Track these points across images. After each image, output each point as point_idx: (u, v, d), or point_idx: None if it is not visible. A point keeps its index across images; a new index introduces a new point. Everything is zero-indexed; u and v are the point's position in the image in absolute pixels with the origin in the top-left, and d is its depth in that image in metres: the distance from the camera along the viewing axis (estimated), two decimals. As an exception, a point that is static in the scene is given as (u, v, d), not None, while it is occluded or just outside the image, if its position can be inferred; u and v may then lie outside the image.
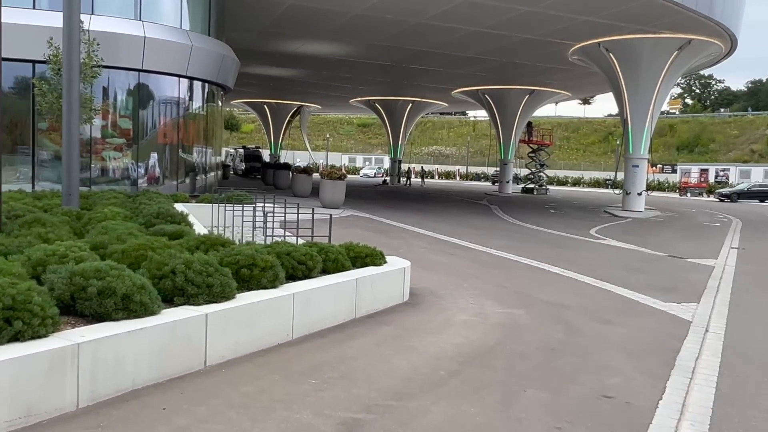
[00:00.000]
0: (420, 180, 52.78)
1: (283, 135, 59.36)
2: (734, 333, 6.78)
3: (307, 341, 5.40)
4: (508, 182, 43.87)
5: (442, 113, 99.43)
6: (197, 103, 18.86)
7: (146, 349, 4.12)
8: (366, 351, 5.25)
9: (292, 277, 5.98)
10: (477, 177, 70.03)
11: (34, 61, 14.64)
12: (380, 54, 31.40)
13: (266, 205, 12.99)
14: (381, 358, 5.09)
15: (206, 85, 18.80)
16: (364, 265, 6.98)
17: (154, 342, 4.18)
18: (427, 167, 71.48)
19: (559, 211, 26.45)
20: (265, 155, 59.25)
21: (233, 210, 11.35)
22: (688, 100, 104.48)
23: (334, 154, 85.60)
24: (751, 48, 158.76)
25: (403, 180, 52.48)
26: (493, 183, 54.92)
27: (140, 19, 16.31)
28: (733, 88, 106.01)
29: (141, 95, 17.14)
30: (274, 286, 5.47)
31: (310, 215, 9.27)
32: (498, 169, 48.13)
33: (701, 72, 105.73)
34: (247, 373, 4.50)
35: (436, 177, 73.21)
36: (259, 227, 9.73)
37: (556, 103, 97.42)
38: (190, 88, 18.35)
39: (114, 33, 15.72)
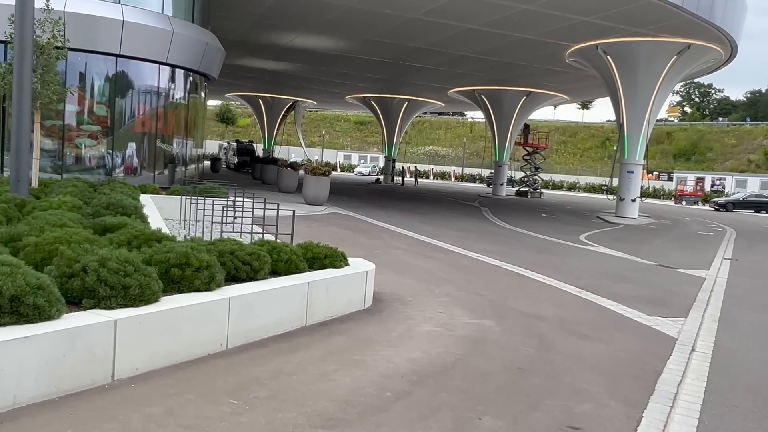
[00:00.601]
0: (413, 180, 52.28)
1: (278, 130, 58.68)
2: (723, 353, 6.22)
3: (244, 352, 4.81)
4: (502, 185, 43.31)
5: (440, 113, 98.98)
6: (178, 92, 18.22)
7: (35, 360, 3.52)
8: (307, 365, 4.66)
9: (234, 279, 5.39)
10: (472, 179, 69.54)
11: (5, 42, 14.01)
12: (375, 50, 30.80)
13: (243, 200, 12.40)
14: (322, 374, 4.50)
15: (188, 73, 18.16)
16: (323, 267, 6.39)
17: (46, 352, 3.58)
18: (421, 167, 70.95)
19: (550, 215, 25.91)
20: (260, 150, 58.66)
21: (203, 204, 10.73)
22: (687, 109, 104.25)
23: (330, 151, 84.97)
24: (751, 58, 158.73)
25: (397, 179, 51.93)
26: (488, 185, 54.39)
27: (119, 2, 15.67)
28: (732, 98, 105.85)
29: (119, 82, 16.49)
30: (209, 289, 4.88)
31: (289, 212, 8.63)
32: (493, 171, 47.61)
33: (701, 81, 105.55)
34: (159, 390, 3.90)
35: (431, 177, 72.67)
36: (231, 223, 9.13)
37: (555, 107, 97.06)
38: (171, 76, 17.71)
39: (91, 15, 15.08)
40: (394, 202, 25.77)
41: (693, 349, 6.26)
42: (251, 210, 9.95)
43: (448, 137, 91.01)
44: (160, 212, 12.24)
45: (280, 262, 5.91)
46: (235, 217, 10.69)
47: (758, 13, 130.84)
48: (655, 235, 20.16)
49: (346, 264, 6.66)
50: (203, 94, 20.01)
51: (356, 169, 71.37)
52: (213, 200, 11.39)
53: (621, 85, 26.55)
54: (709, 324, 7.48)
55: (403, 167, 60.61)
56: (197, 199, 11.45)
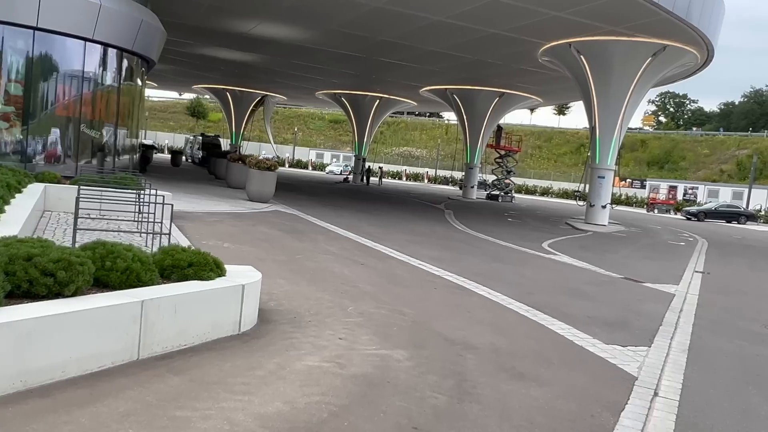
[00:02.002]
0: (377, 180, 50.96)
1: (246, 125, 56.82)
2: (693, 399, 4.89)
3: (11, 405, 3.30)
4: (472, 187, 42.17)
5: (417, 114, 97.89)
6: (109, 74, 16.49)
7: None
8: (91, 430, 3.16)
9: (29, 295, 3.88)
10: (446, 181, 68.45)
11: None
12: (341, 42, 29.33)
13: (163, 193, 10.81)
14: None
15: (122, 54, 16.46)
16: (183, 278, 4.89)
17: None
18: (394, 168, 69.65)
19: (517, 220, 24.70)
20: (228, 145, 56.82)
21: (101, 197, 9.16)
22: (662, 118, 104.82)
23: (302, 148, 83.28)
24: (726, 71, 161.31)
25: (374, 179, 50.61)
26: (461, 187, 53.28)
27: (37, -32, 13.95)
28: (707, 109, 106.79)
29: (37, 58, 14.73)
30: (-36, 312, 3.37)
31: (221, 209, 7.09)
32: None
33: (676, 91, 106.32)
34: None
35: (404, 178, 71.37)
36: (149, 221, 7.57)
37: (532, 112, 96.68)
38: (102, 57, 15.99)
39: (3, -19, 13.38)
40: (352, 202, 24.31)
41: (656, 394, 4.92)
42: (185, 206, 8.38)
43: (423, 138, 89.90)
44: (58, 204, 10.65)
45: (114, 272, 4.40)
46: (139, 213, 9.16)
47: (734, 27, 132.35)
48: (623, 243, 19.02)
49: (220, 275, 5.17)
50: (140, 79, 18.25)
51: (327, 168, 69.79)
52: (122, 191, 9.81)
53: (594, 86, 25.47)
54: (677, 356, 6.17)
55: (369, 167, 59.20)
56: (101, 190, 9.83)
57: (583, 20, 21.16)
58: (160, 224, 7.46)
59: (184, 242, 8.81)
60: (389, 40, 27.58)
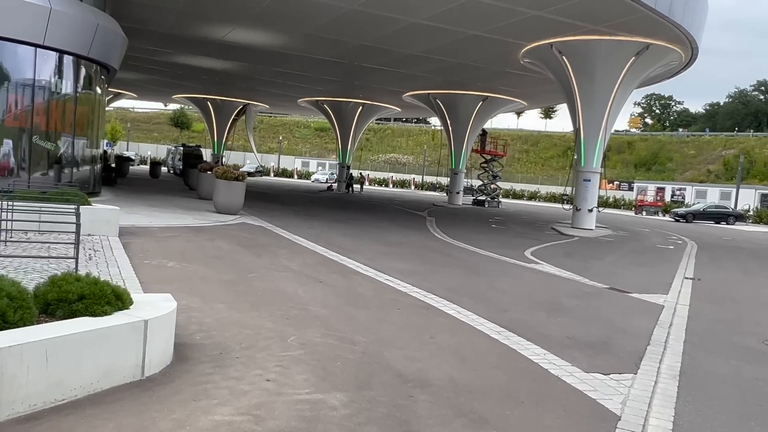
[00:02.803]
0: (359, 187, 50.13)
1: (228, 134, 55.88)
2: (686, 444, 4.09)
3: None
4: (458, 193, 41.47)
5: (405, 120, 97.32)
6: (65, 81, 15.58)
7: None
8: None
9: None
10: (432, 187, 67.78)
11: None
12: (319, 47, 28.58)
13: (112, 207, 10.00)
14: None
15: (78, 61, 15.57)
16: (71, 314, 4.05)
17: None
18: (372, 174, 68.81)
19: (502, 226, 23.96)
20: (209, 155, 55.88)
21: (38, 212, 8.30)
22: (648, 120, 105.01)
23: (288, 157, 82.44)
24: (710, 73, 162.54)
25: (356, 187, 49.86)
26: (447, 193, 52.62)
27: (-20, -31, 13.09)
28: (692, 110, 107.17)
29: (-17, 66, 13.84)
30: None
31: (187, 224, 6.26)
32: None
33: (662, 92, 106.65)
34: None
35: (390, 185, 70.64)
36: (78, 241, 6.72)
37: (518, 116, 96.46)
38: (56, 64, 15.08)
39: (-58, -16, 12.50)
40: (330, 212, 23.47)
41: (642, 438, 4.12)
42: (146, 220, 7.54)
43: (410, 145, 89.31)
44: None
45: (-30, 311, 3.55)
46: (78, 230, 8.30)
47: (719, 29, 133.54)
48: (610, 249, 18.31)
49: (121, 308, 4.32)
50: (99, 88, 17.34)
51: (313, 177, 68.91)
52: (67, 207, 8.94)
53: (577, 87, 24.85)
54: (667, 384, 5.38)
55: (361, 174, 58.38)
56: (39, 206, 8.95)
57: (564, 19, 20.54)
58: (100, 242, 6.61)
59: (123, 263, 7.96)
60: (367, 44, 26.87)
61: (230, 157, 76.44)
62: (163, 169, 55.08)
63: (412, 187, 69.67)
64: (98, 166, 17.39)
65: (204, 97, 53.04)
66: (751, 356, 6.71)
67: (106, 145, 77.55)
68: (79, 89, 15.99)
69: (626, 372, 5.62)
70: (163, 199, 19.01)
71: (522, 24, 21.32)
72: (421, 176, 73.05)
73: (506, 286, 9.77)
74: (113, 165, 28.15)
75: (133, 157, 70.20)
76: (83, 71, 16.13)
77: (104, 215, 10.01)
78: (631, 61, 23.46)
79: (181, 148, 55.22)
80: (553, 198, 60.21)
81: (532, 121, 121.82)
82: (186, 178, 28.38)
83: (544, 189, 64.81)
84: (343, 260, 10.49)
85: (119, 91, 54.67)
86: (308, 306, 6.85)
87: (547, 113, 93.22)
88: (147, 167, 52.96)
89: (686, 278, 12.84)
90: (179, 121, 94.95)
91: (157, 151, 79.36)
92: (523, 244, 16.92)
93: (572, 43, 23.35)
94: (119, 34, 16.76)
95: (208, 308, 6.19)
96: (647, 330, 7.50)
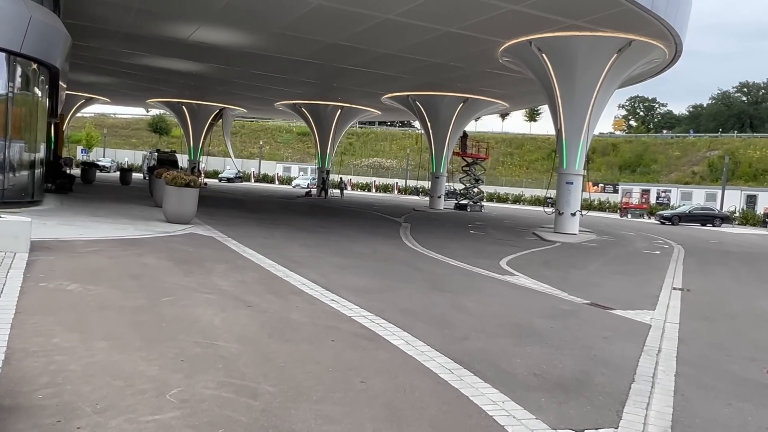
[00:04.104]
0: (338, 192, 48.87)
1: (204, 139, 54.41)
2: None
3: None
4: (439, 197, 40.33)
5: (390, 124, 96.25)
6: (-3, 80, 14.19)
7: None
8: None
9: None
10: (415, 191, 66.69)
11: None
12: (290, 47, 27.36)
13: (21, 219, 8.73)
14: None
15: (11, 59, 14.17)
16: None
17: None
18: (355, 179, 67.48)
19: (480, 232, 22.81)
20: (185, 161, 54.45)
21: None
22: (633, 122, 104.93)
23: (269, 162, 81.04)
24: (693, 76, 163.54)
25: (335, 191, 48.61)
26: (429, 198, 51.53)
27: None
28: (676, 112, 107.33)
29: None
30: None
31: (119, 235, 4.98)
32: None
33: (645, 95, 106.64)
34: None
35: (373, 190, 69.45)
36: None
37: (503, 119, 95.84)
38: (-15, 60, 13.72)
39: None
40: (298, 219, 22.19)
41: None
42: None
43: (393, 149, 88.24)
44: None
45: None
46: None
47: (700, 32, 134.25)
48: (593, 256, 17.20)
49: None
50: (39, 89, 15.93)
51: (294, 182, 67.57)
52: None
53: (558, 86, 23.81)
54: (656, 443, 4.19)
55: (341, 178, 57.07)
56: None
57: (542, 14, 19.48)
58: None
59: (12, 286, 6.67)
60: (341, 44, 25.70)
61: (209, 163, 75.02)
62: (139, 176, 53.52)
63: (395, 192, 68.56)
64: (38, 172, 15.98)
65: (179, 102, 51.63)
66: (755, 394, 5.54)
67: (81, 152, 75.79)
68: (14, 90, 14.59)
69: (605, 426, 4.42)
70: (116, 208, 17.64)
71: (498, 19, 20.24)
72: (404, 180, 71.97)
73: (472, 304, 8.56)
74: (69, 171, 26.64)
75: (107, 164, 68.52)
76: (19, 70, 14.73)
77: (11, 229, 8.69)
78: (613, 58, 22.48)
79: (156, 153, 53.76)
80: (537, 201, 59.37)
81: (516, 123, 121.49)
82: (151, 185, 26.98)
83: (528, 192, 63.99)
84: (290, 277, 9.24)
85: (91, 95, 53.08)
86: (218, 341, 5.59)
87: (532, 116, 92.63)
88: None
89: (674, 289, 11.74)
90: (158, 127, 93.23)
91: (135, 157, 77.73)
92: (500, 252, 15.76)
93: (552, 39, 22.33)
94: (60, 30, 15.40)
95: (82, 349, 4.92)
96: (632, 359, 6.33)
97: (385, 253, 13.58)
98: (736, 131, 79.16)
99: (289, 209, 27.94)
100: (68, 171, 25.36)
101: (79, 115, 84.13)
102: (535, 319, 7.88)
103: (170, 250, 10.64)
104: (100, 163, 69.96)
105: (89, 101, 55.22)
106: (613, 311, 8.96)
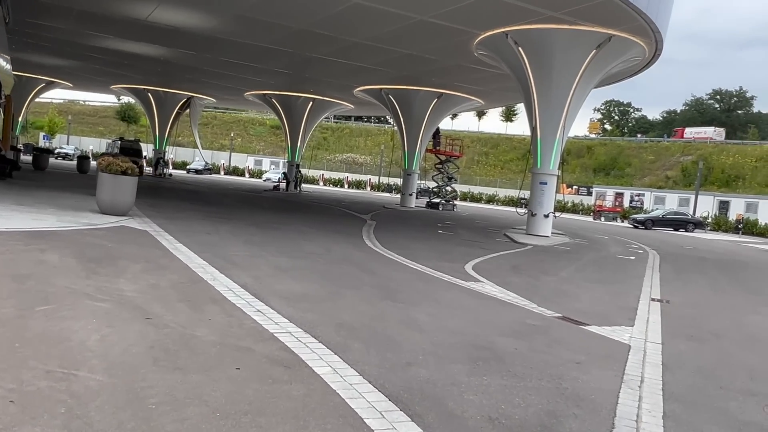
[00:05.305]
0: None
1: (171, 129, 52.39)
2: None
3: None
4: (411, 195, 39.20)
5: (366, 119, 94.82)
6: None
7: None
8: None
9: None
10: (389, 188, 65.52)
11: None
12: (256, 33, 25.93)
13: None
14: None
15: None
16: None
17: None
18: (327, 174, 65.72)
19: (449, 232, 21.68)
20: (150, 150, 52.48)
21: None
22: (608, 126, 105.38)
23: (241, 155, 79.09)
24: (668, 83, 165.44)
25: (300, 186, 47.03)
26: (401, 195, 50.36)
27: None
28: (650, 117, 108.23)
29: None
30: None
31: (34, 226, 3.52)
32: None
33: (620, 99, 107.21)
34: None
35: (345, 186, 68.04)
36: None
37: (479, 118, 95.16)
38: None
39: None
40: (256, 214, 20.80)
41: None
42: None
43: (368, 145, 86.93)
44: None
45: None
46: None
47: (676, 40, 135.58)
48: (566, 260, 16.17)
49: None
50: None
51: (265, 175, 65.80)
52: None
53: (534, 82, 22.78)
54: None
55: (299, 171, 55.16)
56: None
57: (518, 3, 18.40)
58: None
59: None
60: (309, 30, 24.34)
61: (178, 154, 72.80)
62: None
63: (368, 188, 67.29)
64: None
65: (145, 89, 49.52)
66: (763, 445, 4.44)
67: (43, 138, 72.93)
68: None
69: (577, 505, 3.24)
70: (50, 197, 16.07)
71: (473, 8, 19.12)
72: (378, 177, 70.74)
73: (426, 318, 7.36)
74: (13, 157, 24.84)
75: (70, 152, 65.88)
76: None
77: None
78: (592, 53, 21.53)
79: (119, 142, 51.62)
80: (511, 202, 58.74)
81: (493, 123, 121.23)
82: (101, 173, 25.26)
83: (502, 192, 63.32)
84: (216, 280, 7.93)
85: (52, 79, 50.79)
86: (81, 369, 4.27)
87: (508, 116, 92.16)
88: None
89: (653, 300, 10.72)
90: (127, 115, 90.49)
91: (101, 145, 75.09)
92: (468, 254, 14.61)
93: (529, 32, 21.29)
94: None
95: None
96: (610, 393, 5.19)
97: (339, 254, 12.32)
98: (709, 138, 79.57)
99: (251, 203, 26.50)
100: (11, 157, 23.52)
101: (43, 100, 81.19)
102: (498, 338, 6.70)
103: (84, 245, 9.23)
104: (63, 151, 67.36)
105: (50, 85, 52.84)
106: (587, 327, 7.85)
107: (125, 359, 4.61)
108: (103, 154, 28.42)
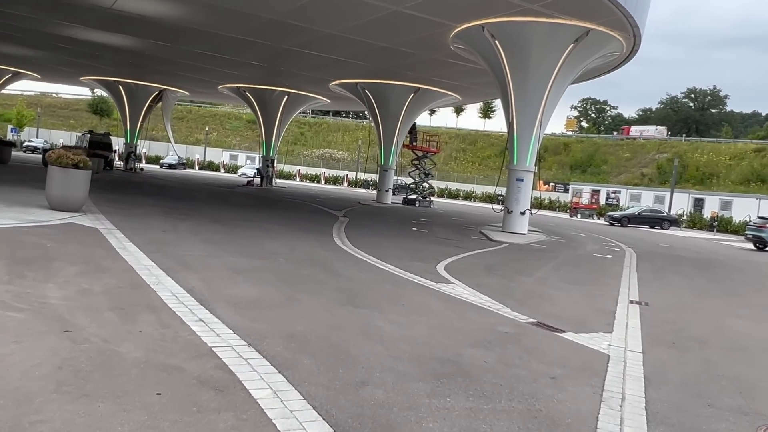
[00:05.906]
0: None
1: (143, 122, 51.02)
2: None
3: None
4: (387, 191, 38.62)
5: (345, 115, 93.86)
6: None
7: None
8: None
9: None
10: (366, 184, 64.81)
11: None
12: (227, 22, 25.03)
13: None
14: None
15: None
16: None
17: None
18: (304, 170, 64.77)
19: (424, 229, 21.10)
20: (121, 144, 51.07)
21: None
22: (584, 124, 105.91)
23: (216, 149, 77.69)
24: (643, 82, 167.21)
25: (279, 182, 45.93)
26: (377, 191, 49.68)
27: None
28: (626, 115, 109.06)
29: None
30: None
31: None
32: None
33: (597, 97, 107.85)
34: None
35: (322, 182, 67.16)
36: None
37: (458, 114, 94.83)
38: None
39: None
40: (221, 211, 19.99)
41: None
42: None
43: (346, 140, 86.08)
44: None
45: None
46: None
47: (652, 39, 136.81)
48: (542, 259, 15.69)
49: None
50: None
51: (240, 171, 64.68)
52: None
53: (510, 75, 22.28)
54: None
55: (268, 165, 54.13)
56: None
57: (495, -8, 17.86)
58: None
59: None
60: (281, 20, 23.53)
61: (152, 148, 71.15)
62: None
63: (345, 184, 66.52)
64: None
65: (115, 81, 48.09)
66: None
67: (11, 131, 70.77)
68: None
69: None
70: (2, 191, 15.11)
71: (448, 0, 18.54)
72: (355, 173, 69.99)
73: (389, 326, 6.73)
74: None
75: (39, 145, 64.00)
76: None
77: None
78: (569, 48, 21.08)
79: (89, 135, 50.14)
80: (488, 198, 58.43)
81: (471, 120, 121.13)
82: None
83: (480, 189, 63.05)
84: (160, 284, 7.20)
85: (18, 70, 49.15)
86: (-41, 400, 3.55)
87: (486, 113, 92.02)
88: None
89: (632, 302, 10.25)
90: (99, 108, 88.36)
91: (71, 138, 73.13)
92: (441, 253, 14.03)
93: (506, 25, 20.77)
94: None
95: None
96: (589, 416, 4.62)
97: (303, 253, 11.64)
98: (684, 135, 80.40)
99: (220, 198, 25.64)
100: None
101: (12, 92, 78.81)
102: (466, 349, 6.10)
103: (17, 244, 8.42)
104: (32, 144, 65.42)
105: (16, 76, 51.15)
106: (563, 334, 7.30)
107: (22, 384, 3.89)
108: (65, 147, 27.28)
